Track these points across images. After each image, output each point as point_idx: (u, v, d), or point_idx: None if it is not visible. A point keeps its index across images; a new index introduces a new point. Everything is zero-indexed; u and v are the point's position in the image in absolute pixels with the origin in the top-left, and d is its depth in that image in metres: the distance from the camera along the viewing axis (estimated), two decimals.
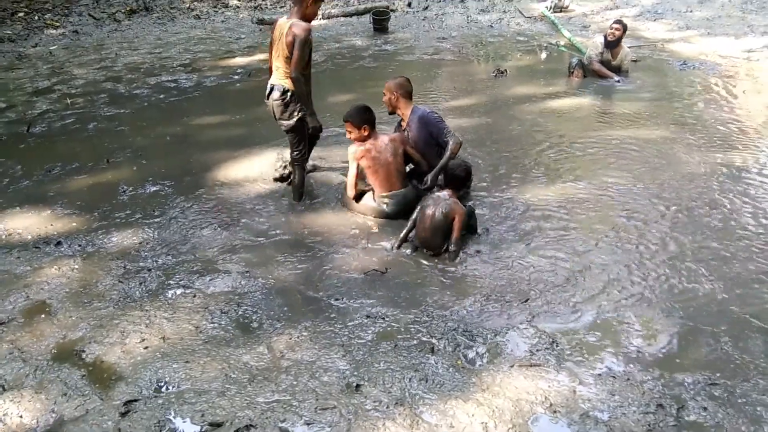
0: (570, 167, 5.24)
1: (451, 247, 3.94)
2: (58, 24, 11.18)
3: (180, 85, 7.99)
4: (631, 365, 3.00)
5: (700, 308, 3.42)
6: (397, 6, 12.47)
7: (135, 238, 4.29)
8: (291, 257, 4.03)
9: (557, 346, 3.15)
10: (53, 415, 2.73)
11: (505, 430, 2.63)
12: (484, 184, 4.95)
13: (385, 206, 4.40)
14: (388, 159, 4.35)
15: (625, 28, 7.57)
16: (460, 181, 4.22)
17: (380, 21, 10.71)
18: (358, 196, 4.48)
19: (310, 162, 4.99)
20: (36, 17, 11.38)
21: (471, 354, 3.11)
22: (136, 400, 2.80)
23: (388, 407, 2.76)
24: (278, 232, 4.34)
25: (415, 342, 3.20)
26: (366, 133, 4.37)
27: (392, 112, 4.74)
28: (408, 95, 4.61)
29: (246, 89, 7.86)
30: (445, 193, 4.07)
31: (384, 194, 4.40)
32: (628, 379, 2.91)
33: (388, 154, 4.36)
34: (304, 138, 4.54)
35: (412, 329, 3.29)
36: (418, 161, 4.60)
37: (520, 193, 4.80)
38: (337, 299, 3.58)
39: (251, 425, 2.65)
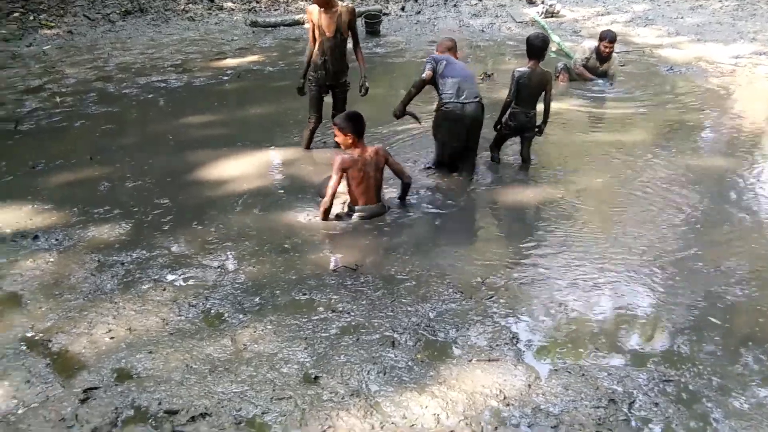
0: (553, 169, 5.30)
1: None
2: (53, 24, 11.27)
3: (169, 85, 8.05)
4: (589, 361, 3.04)
5: (662, 307, 3.46)
6: (391, 9, 12.55)
7: (112, 233, 4.34)
8: (265, 254, 4.07)
9: (517, 342, 3.19)
10: (14, 401, 2.78)
11: (457, 421, 2.67)
12: (472, 186, 5.04)
13: (357, 217, 4.44)
14: (370, 173, 4.40)
15: (615, 41, 7.56)
16: (537, 49, 5.25)
17: (372, 24, 10.79)
18: (328, 209, 4.41)
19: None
20: (31, 17, 11.46)
21: (431, 348, 3.15)
22: (96, 388, 2.84)
23: (343, 398, 2.80)
24: (255, 229, 4.39)
25: (377, 336, 3.24)
26: (350, 141, 4.39)
27: None
28: (447, 49, 5.24)
29: (234, 90, 7.94)
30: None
31: (359, 207, 4.46)
32: (584, 374, 2.95)
33: (372, 168, 4.40)
34: (310, 100, 5.60)
35: (376, 324, 3.34)
36: (399, 172, 4.63)
37: (499, 195, 4.86)
38: (305, 294, 3.63)
39: (206, 413, 2.69)
